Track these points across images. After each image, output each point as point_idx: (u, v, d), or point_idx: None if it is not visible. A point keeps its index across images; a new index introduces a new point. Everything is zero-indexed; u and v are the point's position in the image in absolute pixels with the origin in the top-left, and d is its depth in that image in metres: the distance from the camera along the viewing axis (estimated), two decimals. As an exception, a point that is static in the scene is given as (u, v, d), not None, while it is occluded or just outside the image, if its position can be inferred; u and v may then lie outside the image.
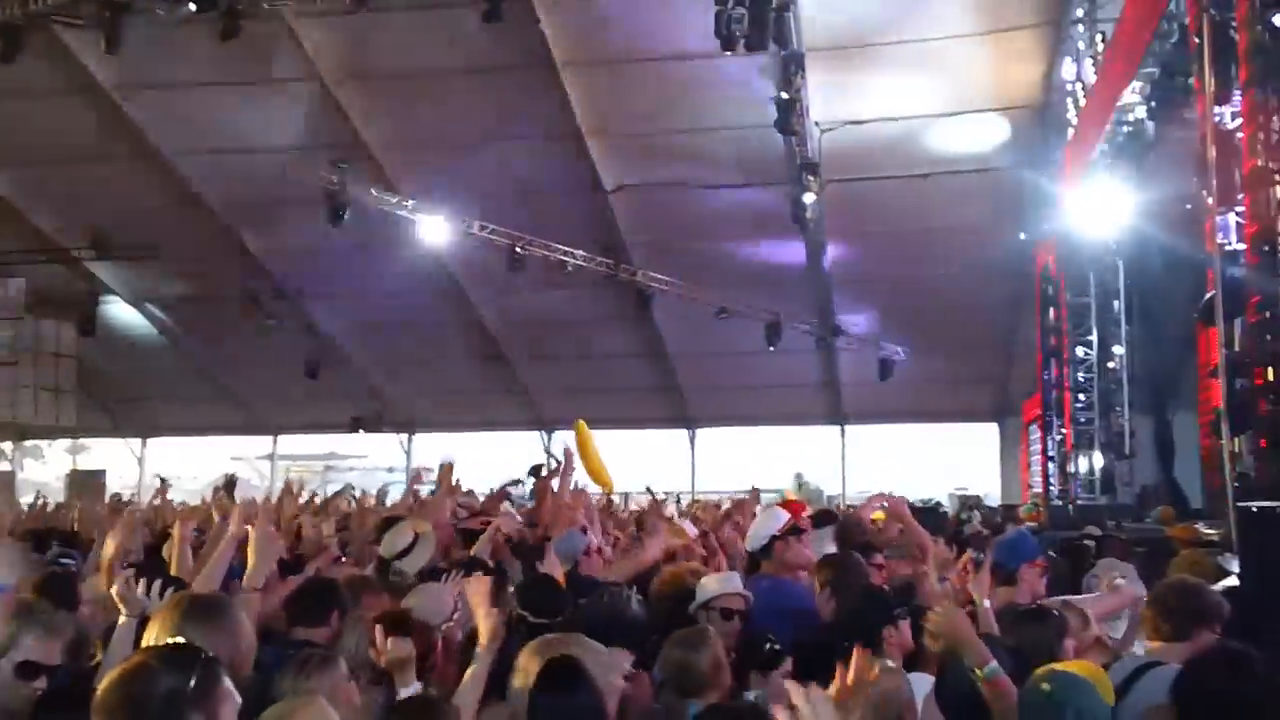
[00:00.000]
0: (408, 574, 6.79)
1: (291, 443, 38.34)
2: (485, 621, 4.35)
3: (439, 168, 24.90)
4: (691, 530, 7.87)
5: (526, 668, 3.94)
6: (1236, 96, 12.63)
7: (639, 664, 4.42)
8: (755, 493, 12.02)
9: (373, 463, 36.63)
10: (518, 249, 25.37)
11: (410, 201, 25.06)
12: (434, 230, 25.26)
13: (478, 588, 4.67)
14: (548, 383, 32.64)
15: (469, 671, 4.20)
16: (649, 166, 24.49)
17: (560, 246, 25.87)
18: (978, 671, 3.81)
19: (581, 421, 12.26)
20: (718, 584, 5.48)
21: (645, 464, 28.10)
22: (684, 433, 35.05)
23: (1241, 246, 12.66)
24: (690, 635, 4.40)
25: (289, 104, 23.55)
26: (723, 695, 4.14)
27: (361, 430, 35.33)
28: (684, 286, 27.48)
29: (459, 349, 31.23)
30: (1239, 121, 12.59)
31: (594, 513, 9.19)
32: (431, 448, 34.47)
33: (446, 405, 33.60)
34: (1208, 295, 13.86)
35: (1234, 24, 12.56)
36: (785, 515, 6.59)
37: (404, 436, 36.36)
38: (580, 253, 26.25)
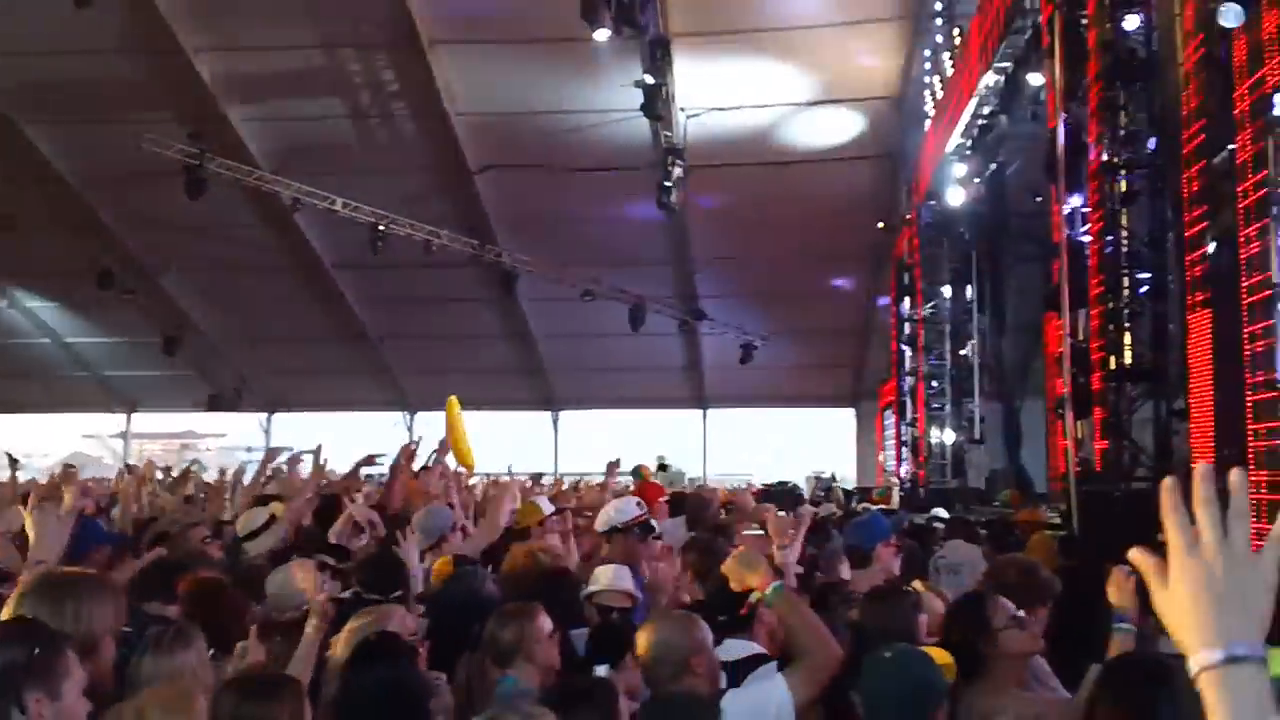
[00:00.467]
0: (250, 554, 6.72)
1: (147, 420, 37.29)
2: (312, 604, 4.42)
3: (302, 143, 24.39)
4: (547, 507, 7.83)
5: (342, 645, 4.02)
6: (1085, 93, 13.09)
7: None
8: (613, 466, 12.07)
9: (231, 441, 35.80)
10: (381, 227, 24.99)
11: (272, 176, 24.47)
12: (296, 206, 24.71)
13: (303, 573, 4.83)
14: (411, 363, 32.31)
15: (296, 652, 4.20)
16: (516, 148, 24.34)
17: (425, 226, 25.57)
18: (767, 592, 3.94)
19: (454, 399, 12.15)
20: (606, 578, 5.43)
21: (508, 445, 27.97)
22: (547, 414, 35.01)
23: (1087, 239, 13.15)
24: (509, 610, 4.40)
25: (146, 75, 22.80)
26: (544, 672, 4.14)
27: (220, 408, 34.47)
28: (549, 268, 27.42)
29: (321, 328, 30.69)
30: (1087, 117, 13.05)
31: (463, 491, 9.16)
32: (292, 427, 33.84)
33: (308, 384, 33.01)
34: (1054, 285, 14.37)
35: (1084, 22, 13.00)
36: (636, 508, 6.59)
37: (264, 415, 35.61)
38: (445, 232, 25.98)
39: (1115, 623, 4.18)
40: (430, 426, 30.25)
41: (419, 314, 29.57)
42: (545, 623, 4.31)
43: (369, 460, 9.16)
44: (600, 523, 6.47)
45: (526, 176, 25.06)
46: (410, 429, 32.84)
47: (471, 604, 5.11)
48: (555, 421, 35.07)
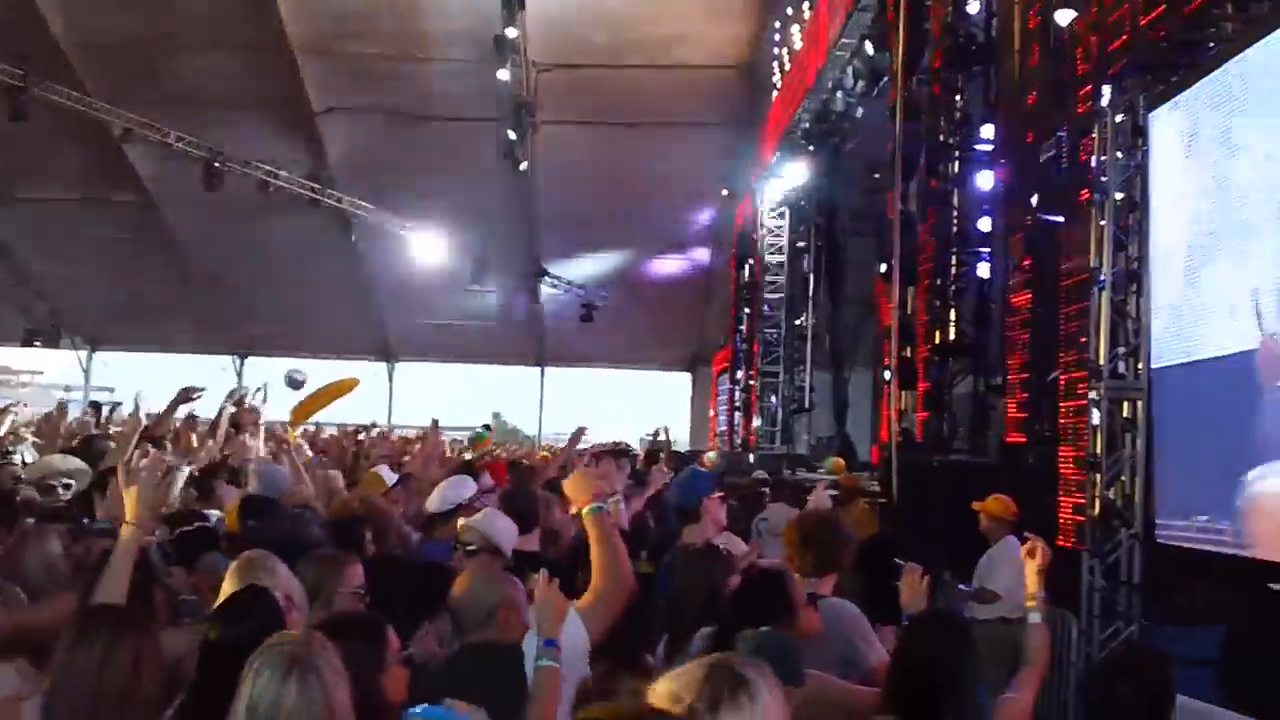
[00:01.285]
0: (61, 496, 6.51)
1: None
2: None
3: (136, 71, 23.38)
4: (390, 477, 7.71)
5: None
6: (925, 74, 13.42)
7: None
8: (435, 424, 11.95)
9: (49, 379, 34.26)
10: (216, 164, 24.16)
11: (100, 103, 23.41)
12: (126, 137, 23.72)
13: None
14: (244, 306, 31.38)
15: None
16: (363, 91, 23.80)
17: (263, 165, 24.83)
18: (585, 510, 4.03)
19: (354, 381, 11.80)
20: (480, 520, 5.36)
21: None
22: (383, 365, 34.51)
23: (920, 217, 13.53)
24: (322, 555, 4.34)
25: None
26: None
27: (37, 344, 32.93)
28: (392, 217, 26.93)
29: (149, 264, 29.52)
30: (926, 98, 13.39)
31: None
32: (115, 366, 32.58)
33: (133, 323, 31.73)
34: (887, 260, 14.75)
35: (928, 4, 13.30)
36: (473, 487, 6.52)
37: (84, 353, 34.20)
38: (284, 174, 25.27)
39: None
40: (260, 372, 29.51)
41: (253, 256, 28.71)
42: (355, 574, 4.24)
43: (186, 395, 8.72)
44: (432, 503, 6.30)
45: (371, 122, 24.54)
46: (240, 373, 31.96)
47: (296, 547, 5.00)
48: (391, 373, 34.59)
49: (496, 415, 32.18)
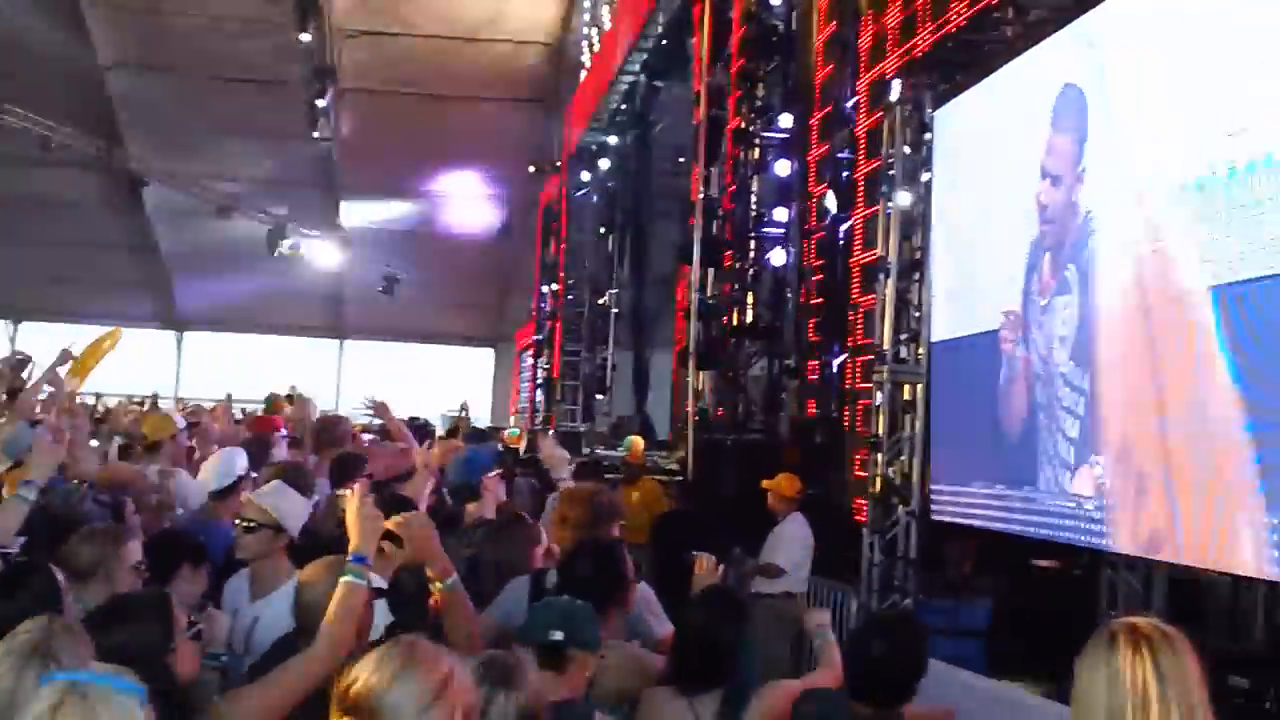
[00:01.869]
0: None
1: None
2: None
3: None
4: (181, 422, 7.46)
5: None
6: (728, 62, 13.70)
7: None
8: (228, 399, 11.63)
9: None
10: (-9, 116, 22.80)
11: None
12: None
13: None
14: (18, 268, 29.70)
15: None
16: (156, 47, 22.84)
17: (44, 120, 23.55)
18: (439, 584, 3.88)
19: (117, 332, 11.25)
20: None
21: (126, 364, 26.38)
22: (171, 334, 33.27)
23: (721, 201, 13.83)
24: (96, 530, 4.22)
25: None
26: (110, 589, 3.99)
27: None
28: (184, 181, 25.91)
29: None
30: (729, 86, 13.68)
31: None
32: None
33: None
34: (688, 242, 15.01)
35: (732, -7, 13.57)
36: (245, 458, 6.33)
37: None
38: (67, 129, 24.03)
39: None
40: (37, 337, 28.08)
41: (31, 215, 27.21)
42: (132, 550, 4.12)
43: None
44: (209, 480, 6.02)
45: (166, 80, 23.57)
46: (13, 340, 30.33)
47: (72, 522, 4.80)
48: (179, 342, 33.37)
49: (293, 388, 31.38)
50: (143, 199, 26.48)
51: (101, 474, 5.96)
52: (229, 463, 6.01)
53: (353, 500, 3.69)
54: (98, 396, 16.60)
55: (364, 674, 2.26)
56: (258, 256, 27.56)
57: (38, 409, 8.03)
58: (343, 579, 3.47)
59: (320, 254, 29.07)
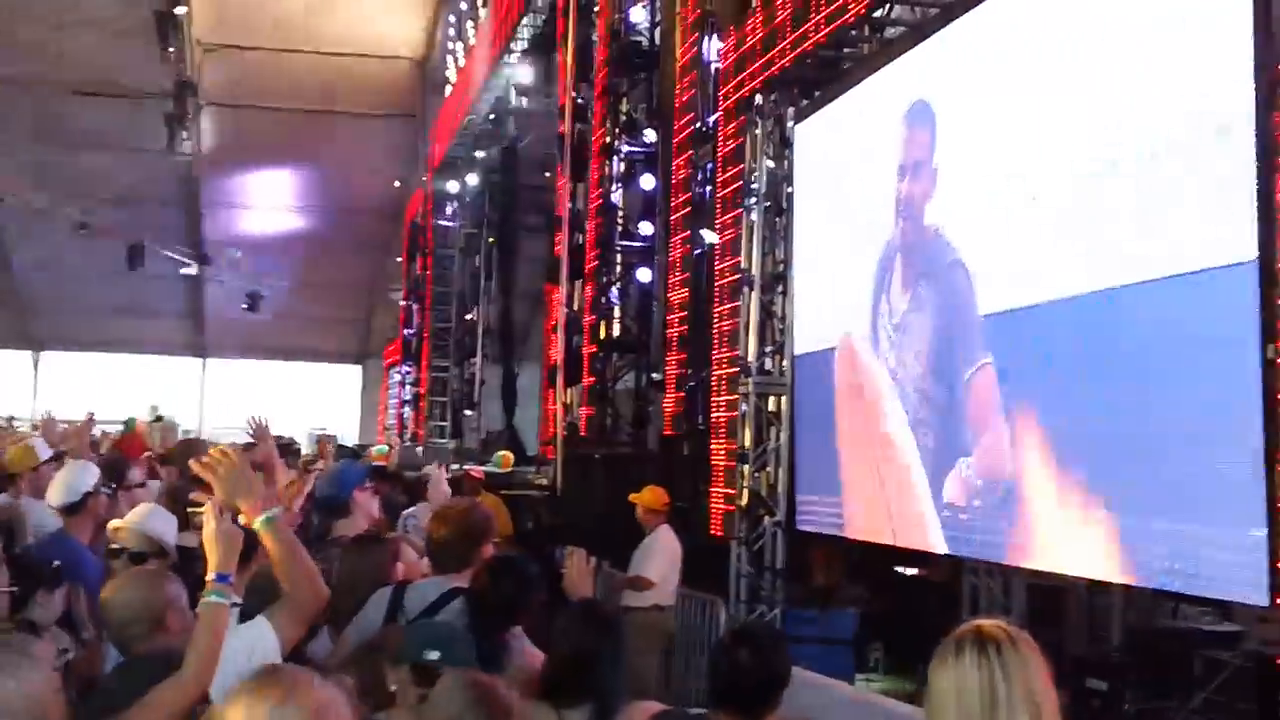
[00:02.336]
0: None
1: None
2: None
3: None
4: (44, 451, 7.11)
5: None
6: (593, 77, 13.75)
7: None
8: (90, 419, 11.21)
9: None
10: None
11: None
12: None
13: None
14: None
15: None
16: (6, 60, 22.02)
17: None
18: (257, 522, 3.80)
19: None
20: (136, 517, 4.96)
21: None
22: (28, 354, 32.10)
23: (586, 215, 13.86)
24: None
25: None
26: None
27: None
28: (39, 197, 24.99)
29: None
30: (594, 101, 13.72)
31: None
32: None
33: None
34: (555, 256, 15.01)
35: (596, 8, 13.62)
36: (96, 471, 6.11)
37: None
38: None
39: None
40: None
41: None
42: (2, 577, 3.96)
43: None
44: (54, 497, 5.78)
45: (16, 94, 22.77)
46: None
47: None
48: (36, 362, 32.21)
49: (154, 408, 30.51)
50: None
51: None
52: (79, 476, 5.78)
53: (209, 518, 3.57)
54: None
55: (240, 709, 2.18)
56: (117, 274, 26.75)
57: None
58: (205, 599, 3.37)
59: (181, 271, 28.35)
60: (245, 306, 28.93)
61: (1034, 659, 2.43)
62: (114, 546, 4.60)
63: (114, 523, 4.87)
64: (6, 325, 30.66)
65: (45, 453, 7.13)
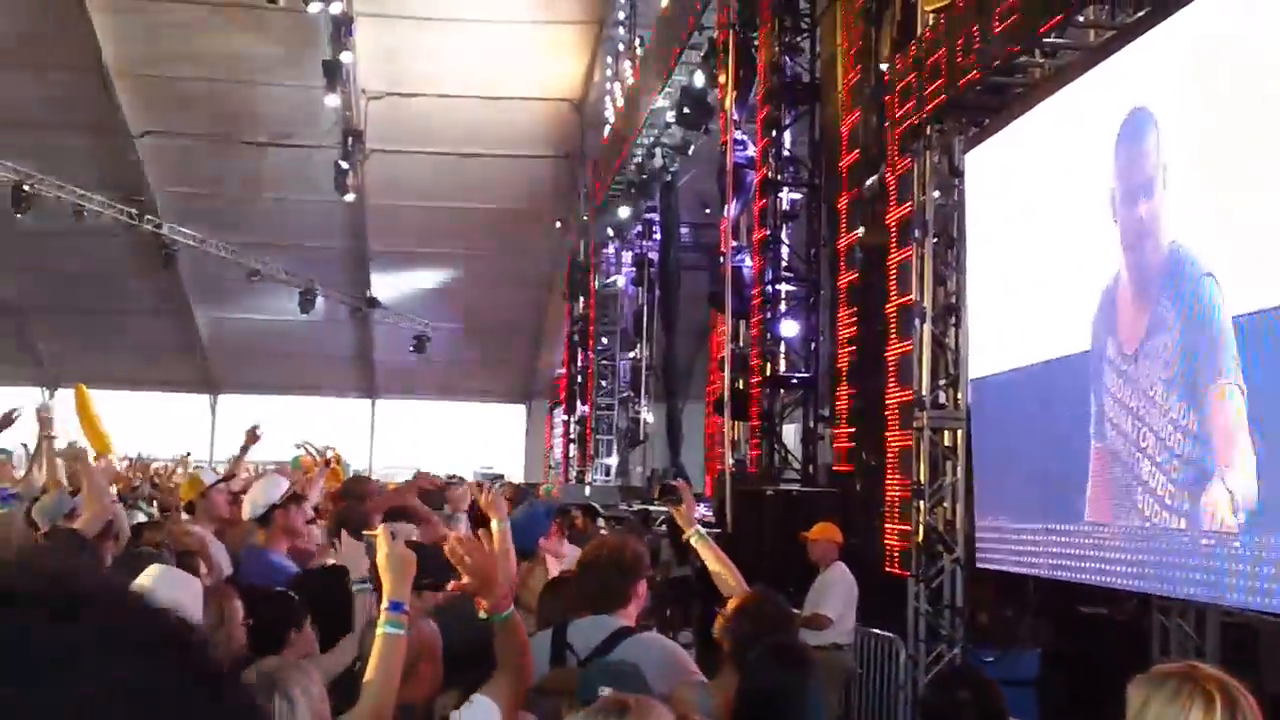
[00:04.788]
0: None
1: None
2: None
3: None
4: (210, 478, 7.49)
5: None
6: (754, 112, 13.74)
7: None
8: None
9: None
10: (26, 187, 23.09)
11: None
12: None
13: None
14: (57, 337, 30.07)
15: None
16: (183, 115, 23.12)
17: (76, 190, 23.84)
18: (494, 616, 3.75)
19: (81, 387, 11.47)
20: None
21: (164, 427, 26.56)
22: (206, 397, 33.47)
23: (750, 251, 13.81)
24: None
25: None
26: (228, 648, 3.99)
27: None
28: (215, 245, 26.16)
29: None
30: (755, 136, 13.71)
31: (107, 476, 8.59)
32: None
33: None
34: (718, 293, 14.99)
35: (756, 43, 13.62)
36: (286, 483, 6.42)
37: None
38: (99, 198, 24.32)
39: None
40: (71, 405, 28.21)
41: (67, 284, 27.54)
42: (239, 607, 4.11)
43: (7, 420, 8.27)
44: (247, 510, 6.12)
45: (193, 146, 23.87)
46: (48, 407, 30.51)
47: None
48: (214, 405, 33.55)
49: (327, 449, 31.38)
50: (176, 264, 26.72)
51: (171, 536, 6.01)
52: (267, 490, 6.09)
53: (382, 543, 3.55)
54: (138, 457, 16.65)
55: None
56: (289, 318, 27.76)
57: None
58: (381, 630, 3.35)
59: (350, 314, 29.32)
60: (411, 349, 29.71)
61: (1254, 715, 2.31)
62: None
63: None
64: (188, 370, 32.02)
65: (211, 478, 7.46)
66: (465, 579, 3.71)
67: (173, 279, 27.85)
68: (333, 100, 21.29)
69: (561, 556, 6.24)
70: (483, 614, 3.66)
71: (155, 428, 25.28)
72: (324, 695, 2.73)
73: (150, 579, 3.91)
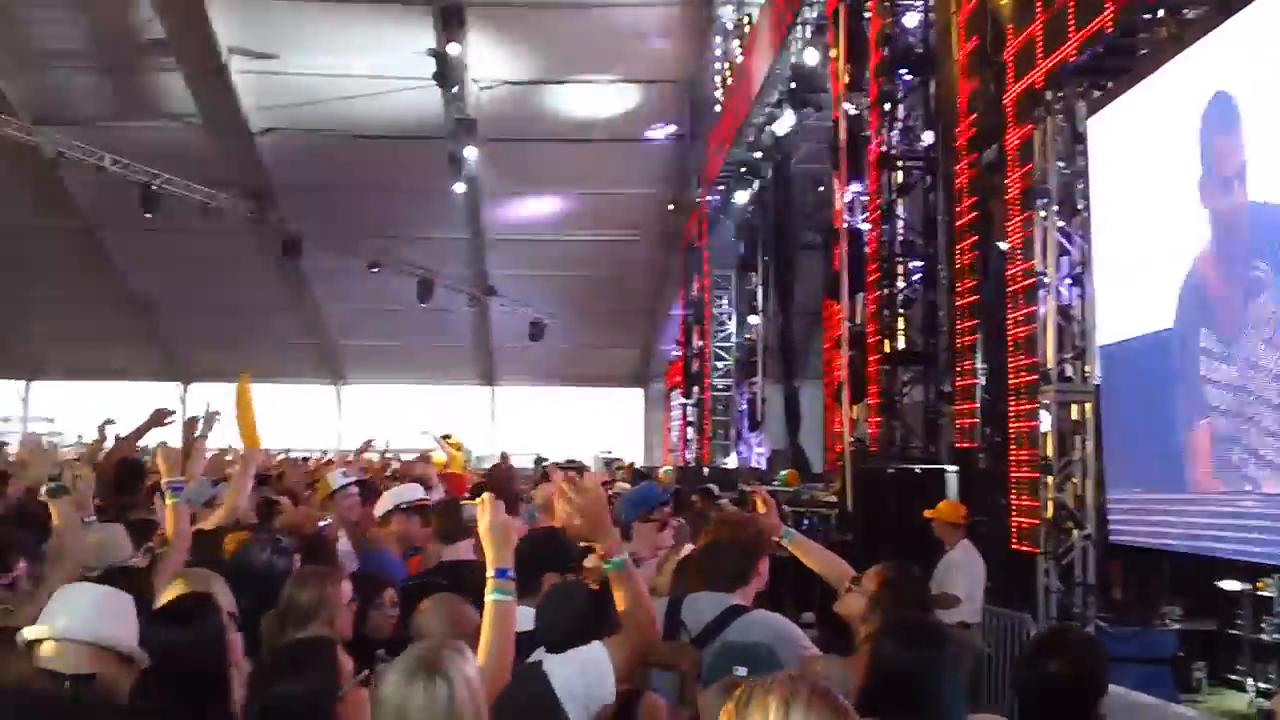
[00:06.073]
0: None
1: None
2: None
3: (67, 95, 23.03)
4: (340, 480, 7.65)
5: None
6: (867, 86, 13.50)
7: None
8: (366, 444, 11.84)
9: (-10, 411, 33.52)
10: (154, 186, 23.78)
11: (32, 127, 22.98)
12: (60, 161, 23.28)
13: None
14: (186, 331, 30.96)
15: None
16: (302, 111, 23.58)
17: (201, 188, 24.50)
18: (607, 563, 3.77)
19: (245, 375, 11.70)
20: None
21: (289, 418, 27.18)
22: (331, 388, 34.19)
23: (866, 226, 13.60)
24: (308, 573, 4.30)
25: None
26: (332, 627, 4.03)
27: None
28: (334, 237, 26.68)
29: (89, 291, 29.02)
30: (868, 109, 13.48)
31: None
32: (54, 396, 32.01)
33: (74, 351, 31.15)
34: (834, 271, 14.82)
35: (867, 16, 13.39)
36: (418, 490, 6.76)
37: (23, 384, 33.54)
38: (224, 195, 24.97)
39: None
40: (207, 398, 29.08)
41: (195, 280, 28.33)
42: (345, 588, 4.20)
43: (159, 418, 8.47)
44: (380, 506, 6.39)
45: (312, 141, 24.34)
46: (184, 400, 31.49)
47: (268, 572, 4.95)
48: (339, 395, 34.28)
49: (447, 436, 31.83)
50: (298, 258, 27.33)
51: (287, 521, 6.19)
52: (398, 495, 6.34)
53: (484, 512, 3.59)
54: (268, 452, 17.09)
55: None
56: (409, 308, 28.20)
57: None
58: (490, 598, 3.39)
59: (467, 302, 29.69)
60: (529, 335, 29.97)
61: None
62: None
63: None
64: (313, 360, 32.72)
65: (341, 480, 7.61)
66: (575, 520, 3.72)
67: (295, 272, 28.49)
68: (445, 91, 21.52)
69: (652, 546, 6.12)
70: (600, 562, 3.67)
71: (283, 418, 25.90)
72: (480, 676, 2.77)
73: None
